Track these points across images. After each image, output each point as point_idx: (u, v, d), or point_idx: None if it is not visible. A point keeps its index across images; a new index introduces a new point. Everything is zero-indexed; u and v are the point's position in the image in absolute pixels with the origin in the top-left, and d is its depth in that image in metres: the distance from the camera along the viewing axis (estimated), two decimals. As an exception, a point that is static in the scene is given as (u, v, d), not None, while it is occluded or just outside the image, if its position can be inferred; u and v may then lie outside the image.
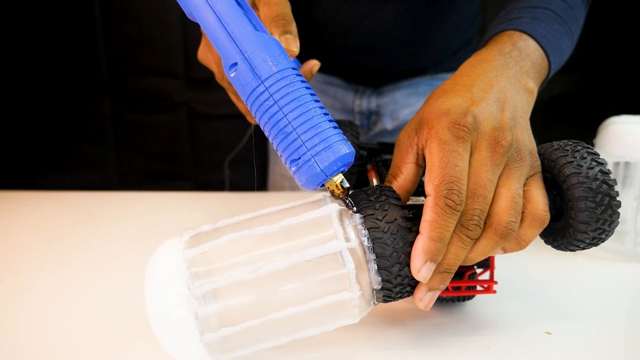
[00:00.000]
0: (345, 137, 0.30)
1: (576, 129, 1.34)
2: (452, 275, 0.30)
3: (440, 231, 0.28)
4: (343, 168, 0.30)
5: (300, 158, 0.29)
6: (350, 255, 0.28)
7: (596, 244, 0.32)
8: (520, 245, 0.31)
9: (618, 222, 0.31)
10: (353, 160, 0.30)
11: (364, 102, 0.76)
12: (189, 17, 0.32)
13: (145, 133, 1.38)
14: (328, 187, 0.30)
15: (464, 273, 0.35)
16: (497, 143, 0.30)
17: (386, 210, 0.29)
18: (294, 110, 0.28)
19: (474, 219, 0.29)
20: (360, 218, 0.29)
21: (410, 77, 0.75)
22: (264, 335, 0.29)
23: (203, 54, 0.42)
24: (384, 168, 0.42)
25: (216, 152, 1.33)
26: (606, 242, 0.49)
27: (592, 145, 0.53)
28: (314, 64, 0.42)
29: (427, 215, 0.28)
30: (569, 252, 0.49)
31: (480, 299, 0.39)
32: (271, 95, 0.28)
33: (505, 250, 0.31)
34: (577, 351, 0.33)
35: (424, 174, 0.41)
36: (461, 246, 0.29)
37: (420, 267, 0.28)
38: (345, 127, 0.46)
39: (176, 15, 1.34)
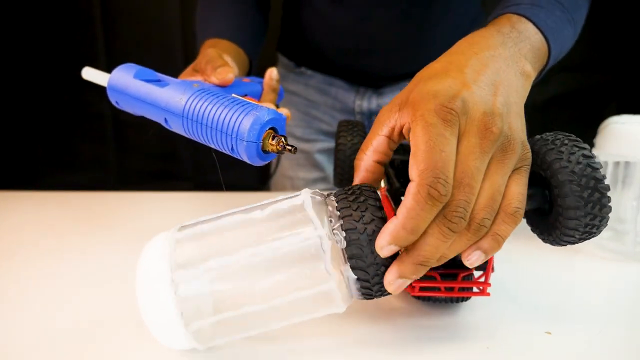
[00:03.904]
0: (255, 106, 0.32)
1: (576, 129, 1.34)
2: (428, 269, 0.29)
3: (416, 222, 0.26)
4: (265, 127, 0.31)
5: (232, 148, 0.32)
6: (318, 219, 0.29)
7: (590, 232, 0.30)
8: (497, 240, 0.29)
9: (610, 208, 0.30)
10: (275, 115, 0.32)
11: (365, 103, 0.76)
12: (115, 106, 0.40)
13: (145, 133, 1.38)
14: (272, 150, 0.31)
15: (457, 274, 0.34)
16: (486, 129, 0.28)
17: (358, 194, 0.30)
18: (209, 116, 0.33)
19: (458, 210, 0.27)
20: (335, 201, 0.31)
21: (410, 77, 0.74)
22: (248, 316, 0.30)
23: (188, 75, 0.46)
24: (390, 167, 0.42)
25: (216, 152, 1.33)
26: (606, 242, 0.50)
27: (592, 145, 0.53)
28: (270, 70, 0.46)
29: (407, 201, 0.26)
30: (568, 251, 0.49)
31: (479, 299, 0.39)
32: (191, 118, 0.34)
33: (484, 251, 0.29)
34: (577, 351, 0.33)
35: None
36: (441, 239, 0.27)
37: (383, 246, 0.28)
38: (354, 126, 0.47)
39: (176, 15, 1.34)
